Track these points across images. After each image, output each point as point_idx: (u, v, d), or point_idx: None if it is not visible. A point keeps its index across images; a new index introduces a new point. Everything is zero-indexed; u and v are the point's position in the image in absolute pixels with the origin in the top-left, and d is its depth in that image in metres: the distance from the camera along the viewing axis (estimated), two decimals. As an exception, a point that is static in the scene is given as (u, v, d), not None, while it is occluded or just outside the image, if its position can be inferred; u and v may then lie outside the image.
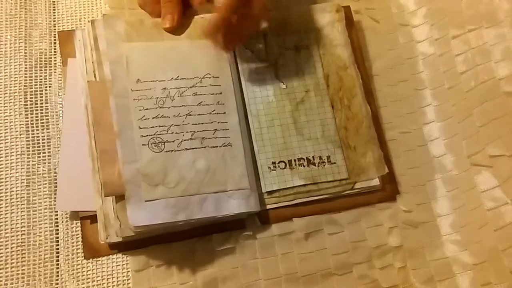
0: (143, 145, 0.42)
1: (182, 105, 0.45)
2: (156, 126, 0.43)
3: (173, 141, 0.44)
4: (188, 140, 0.44)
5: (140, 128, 0.43)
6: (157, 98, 0.44)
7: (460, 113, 0.51)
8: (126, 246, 0.45)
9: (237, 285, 0.46)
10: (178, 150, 0.43)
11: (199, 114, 0.45)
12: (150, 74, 0.45)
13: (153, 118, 0.43)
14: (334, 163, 0.49)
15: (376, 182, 0.49)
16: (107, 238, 0.43)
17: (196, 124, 0.45)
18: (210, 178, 0.44)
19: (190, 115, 0.45)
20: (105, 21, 0.45)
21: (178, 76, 0.45)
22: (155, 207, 0.41)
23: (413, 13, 0.57)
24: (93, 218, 0.45)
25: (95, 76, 0.45)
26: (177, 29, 0.47)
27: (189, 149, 0.44)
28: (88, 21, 0.47)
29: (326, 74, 0.52)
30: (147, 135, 0.43)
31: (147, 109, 0.44)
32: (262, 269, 0.47)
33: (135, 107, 0.43)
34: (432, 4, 0.55)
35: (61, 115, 0.49)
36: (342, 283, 0.48)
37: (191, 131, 0.44)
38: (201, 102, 0.45)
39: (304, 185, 0.48)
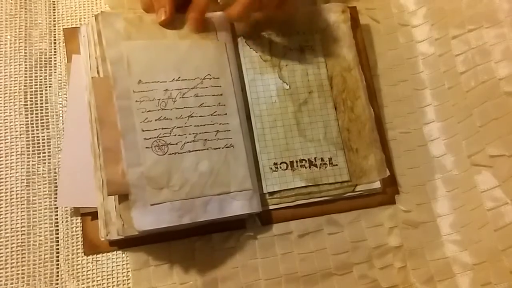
0: (146, 148, 0.42)
1: (184, 107, 0.45)
2: (159, 129, 0.43)
3: (176, 144, 0.43)
4: (191, 142, 0.44)
5: (143, 131, 0.43)
6: (159, 99, 0.44)
7: (460, 113, 0.51)
8: (126, 243, 0.45)
9: (237, 285, 0.46)
10: (181, 153, 0.43)
11: (201, 116, 0.45)
12: (151, 75, 0.44)
13: (155, 120, 0.43)
14: (336, 165, 0.49)
15: (377, 185, 0.49)
16: (107, 235, 0.43)
17: (198, 125, 0.44)
18: (213, 180, 0.44)
19: (192, 116, 0.45)
20: (103, 19, 0.44)
21: (179, 77, 0.45)
22: (160, 210, 0.41)
23: (413, 13, 0.57)
24: (94, 214, 0.45)
25: (98, 72, 0.44)
26: (175, 23, 0.46)
27: (192, 151, 0.44)
28: (92, 16, 0.47)
29: (330, 75, 0.52)
30: (150, 138, 0.43)
31: (149, 111, 0.43)
32: (262, 269, 0.47)
33: (137, 109, 0.43)
34: (432, 4, 0.55)
35: (61, 115, 0.49)
36: (342, 283, 0.48)
37: (193, 133, 0.44)
38: (203, 103, 0.45)
39: (305, 186, 0.48)
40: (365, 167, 0.50)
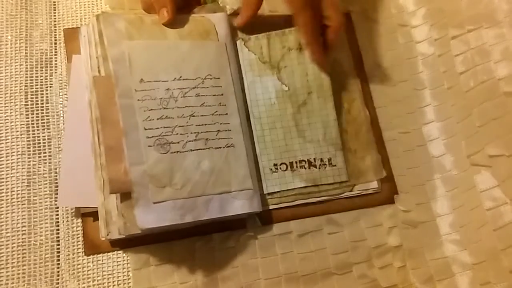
0: (149, 146, 0.42)
1: (186, 106, 0.45)
2: (161, 127, 0.43)
3: (178, 142, 0.44)
4: (192, 141, 0.44)
5: (146, 129, 0.43)
6: (161, 98, 0.44)
7: (460, 113, 0.51)
8: (127, 243, 0.45)
9: (237, 284, 0.46)
10: (183, 151, 0.44)
11: (202, 115, 0.45)
12: (153, 74, 0.44)
13: (157, 119, 0.43)
14: (335, 165, 0.49)
15: (375, 185, 0.50)
16: (108, 235, 0.43)
17: (199, 125, 0.45)
18: (215, 179, 0.44)
19: (194, 116, 0.45)
20: (105, 19, 0.45)
21: (180, 77, 0.45)
22: (162, 208, 0.42)
23: (412, 13, 0.57)
24: (94, 214, 0.45)
25: (99, 71, 0.44)
26: (176, 23, 0.47)
27: (193, 150, 0.44)
28: (92, 16, 0.47)
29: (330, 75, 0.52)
30: (152, 136, 0.43)
31: (151, 109, 0.43)
32: (262, 269, 0.47)
33: (139, 107, 0.43)
34: (432, 4, 0.55)
35: (61, 115, 0.49)
36: (342, 282, 0.48)
37: (195, 132, 0.44)
38: (204, 103, 0.45)
39: (305, 187, 0.48)
40: (363, 168, 0.50)
